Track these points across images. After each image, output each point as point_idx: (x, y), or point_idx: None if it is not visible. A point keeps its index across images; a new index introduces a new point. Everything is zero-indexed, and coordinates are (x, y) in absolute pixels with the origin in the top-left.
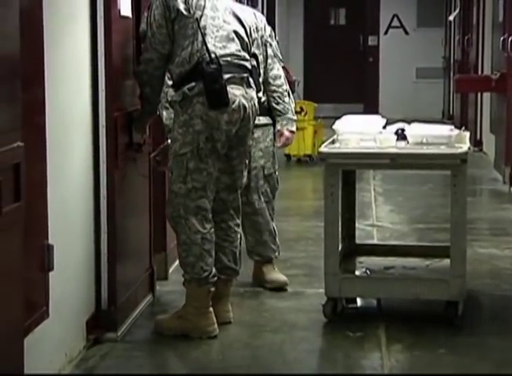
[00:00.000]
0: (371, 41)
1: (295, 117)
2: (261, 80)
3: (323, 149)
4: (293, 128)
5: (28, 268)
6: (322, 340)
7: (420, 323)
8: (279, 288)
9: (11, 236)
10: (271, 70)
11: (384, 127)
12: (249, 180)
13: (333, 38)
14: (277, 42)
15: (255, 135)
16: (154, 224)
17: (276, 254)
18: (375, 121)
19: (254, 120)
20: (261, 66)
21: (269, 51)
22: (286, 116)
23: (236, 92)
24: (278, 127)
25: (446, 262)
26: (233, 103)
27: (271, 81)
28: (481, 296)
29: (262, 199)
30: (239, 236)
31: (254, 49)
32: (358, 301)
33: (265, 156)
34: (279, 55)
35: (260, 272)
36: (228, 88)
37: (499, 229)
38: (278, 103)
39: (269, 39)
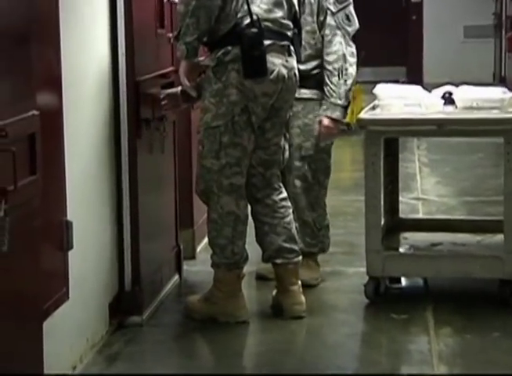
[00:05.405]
0: None
1: (341, 102)
2: (309, 52)
3: (363, 115)
4: (336, 115)
5: (46, 246)
6: (364, 323)
7: (471, 304)
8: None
9: (27, 212)
10: (328, 42)
11: (430, 91)
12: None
13: None
14: (346, 14)
15: (294, 110)
16: (180, 199)
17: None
18: (415, 92)
19: (295, 91)
20: (314, 35)
21: (329, 20)
22: (329, 100)
23: (275, 61)
24: (319, 112)
25: (499, 237)
26: (271, 72)
27: (324, 55)
28: None
29: (299, 183)
30: (290, 211)
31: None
32: (403, 281)
33: (303, 134)
34: (346, 27)
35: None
36: (267, 57)
37: None
38: (325, 84)
39: (331, 6)
